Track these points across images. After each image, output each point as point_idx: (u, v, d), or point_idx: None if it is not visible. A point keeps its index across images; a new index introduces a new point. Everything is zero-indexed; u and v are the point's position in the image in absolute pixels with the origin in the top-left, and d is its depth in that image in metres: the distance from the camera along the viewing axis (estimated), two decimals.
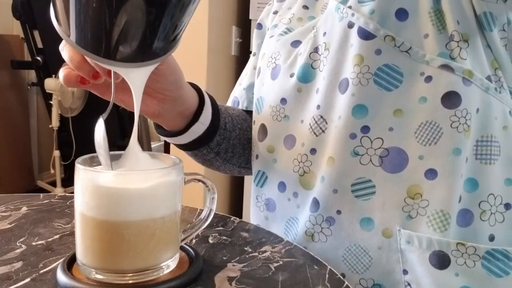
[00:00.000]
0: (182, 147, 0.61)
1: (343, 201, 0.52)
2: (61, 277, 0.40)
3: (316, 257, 0.48)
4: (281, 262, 0.46)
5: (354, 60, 0.51)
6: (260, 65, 0.65)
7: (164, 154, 0.45)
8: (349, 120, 0.51)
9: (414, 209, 0.49)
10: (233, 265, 0.45)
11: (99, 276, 0.39)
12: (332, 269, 0.45)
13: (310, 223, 0.54)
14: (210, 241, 0.51)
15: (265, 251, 0.48)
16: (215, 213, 0.47)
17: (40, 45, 2.63)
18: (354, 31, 0.51)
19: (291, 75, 0.58)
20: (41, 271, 0.42)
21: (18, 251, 0.46)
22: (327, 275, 0.43)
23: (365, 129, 0.50)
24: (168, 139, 0.60)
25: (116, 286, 0.39)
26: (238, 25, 2.08)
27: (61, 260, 0.43)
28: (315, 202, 0.54)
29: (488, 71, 0.49)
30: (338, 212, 0.53)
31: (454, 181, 0.48)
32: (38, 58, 2.59)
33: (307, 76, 0.56)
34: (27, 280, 0.40)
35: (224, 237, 0.52)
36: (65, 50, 0.42)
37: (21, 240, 0.49)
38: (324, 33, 0.56)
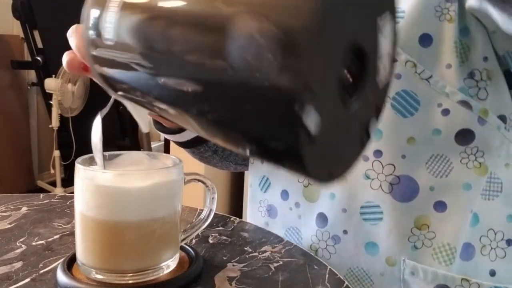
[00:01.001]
0: (181, 144, 0.61)
1: (350, 222, 0.52)
2: (61, 277, 0.40)
3: (316, 257, 0.47)
4: (281, 262, 0.46)
5: None
6: None
7: (164, 154, 0.45)
8: None
9: (420, 240, 0.49)
10: (233, 265, 0.45)
11: (99, 276, 0.39)
12: (332, 269, 0.45)
13: (316, 238, 0.54)
14: (210, 241, 0.51)
15: (265, 251, 0.48)
16: (215, 213, 0.47)
17: (40, 45, 2.63)
18: None
19: None
20: (41, 271, 0.42)
21: (18, 251, 0.46)
22: (327, 275, 0.43)
23: (378, 153, 0.50)
24: (167, 136, 0.60)
25: (116, 286, 0.39)
26: None
27: (61, 260, 0.43)
28: (324, 218, 0.53)
29: (506, 110, 0.48)
30: (345, 232, 0.52)
31: (463, 215, 0.48)
32: (38, 58, 2.59)
33: None
34: (27, 280, 0.40)
35: (224, 237, 0.52)
36: (73, 37, 0.40)
37: (21, 240, 0.49)
38: None
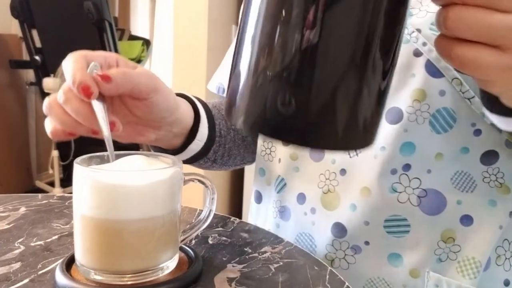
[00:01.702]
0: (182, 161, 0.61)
1: (373, 233, 0.51)
2: (60, 278, 0.39)
3: (316, 258, 0.47)
4: (281, 263, 0.46)
5: (415, 94, 0.48)
6: None
7: (164, 154, 0.45)
8: (395, 156, 0.49)
9: (445, 252, 0.50)
10: (233, 266, 0.45)
11: (98, 277, 0.39)
12: (333, 270, 0.44)
13: (333, 248, 0.53)
14: (210, 242, 0.50)
15: (265, 252, 0.48)
16: (214, 214, 0.46)
17: (38, 44, 2.62)
18: (420, 62, 0.47)
19: None
20: (40, 272, 0.42)
21: (16, 251, 0.46)
22: (327, 276, 0.43)
23: (407, 167, 0.49)
24: None
25: (115, 287, 0.39)
26: (238, 25, 2.08)
27: (59, 261, 0.42)
28: (341, 228, 0.52)
29: None
30: (366, 243, 0.52)
31: (491, 230, 0.48)
32: (37, 58, 2.59)
33: None
34: (26, 281, 0.40)
35: (224, 238, 0.52)
36: (71, 101, 0.41)
37: (19, 240, 0.49)
38: None
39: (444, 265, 0.50)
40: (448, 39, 0.27)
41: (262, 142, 0.63)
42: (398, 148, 0.49)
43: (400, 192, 0.50)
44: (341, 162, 0.53)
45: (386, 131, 0.49)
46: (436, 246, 0.50)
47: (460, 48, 0.26)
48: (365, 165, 0.51)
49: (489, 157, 0.48)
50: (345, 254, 0.53)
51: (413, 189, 0.49)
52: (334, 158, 0.53)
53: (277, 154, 0.60)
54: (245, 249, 0.49)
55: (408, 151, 0.49)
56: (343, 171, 0.53)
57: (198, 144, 0.57)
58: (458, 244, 0.49)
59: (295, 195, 0.57)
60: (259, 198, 0.65)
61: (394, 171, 0.49)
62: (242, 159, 0.67)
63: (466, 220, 0.49)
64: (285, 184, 0.58)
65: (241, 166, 0.69)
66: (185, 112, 0.54)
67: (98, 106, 0.42)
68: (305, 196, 0.56)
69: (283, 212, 0.59)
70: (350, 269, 0.52)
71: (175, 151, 0.56)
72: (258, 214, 0.65)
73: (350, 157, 0.52)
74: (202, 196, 0.46)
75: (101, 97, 0.42)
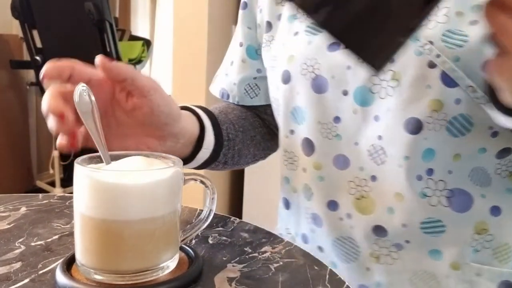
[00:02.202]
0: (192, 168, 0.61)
1: (412, 234, 0.53)
2: (60, 277, 0.39)
3: (316, 258, 0.47)
4: (281, 263, 0.46)
5: (432, 104, 0.49)
6: (284, 67, 0.59)
7: (164, 154, 0.45)
8: (418, 163, 0.51)
9: (480, 243, 0.53)
10: (233, 266, 0.45)
11: (98, 277, 0.39)
12: (333, 270, 0.44)
13: (377, 246, 0.55)
14: (210, 242, 0.51)
15: (265, 252, 0.48)
16: (215, 213, 0.46)
17: (39, 44, 2.62)
18: (435, 74, 0.48)
19: (344, 93, 0.54)
20: (40, 272, 0.42)
21: (17, 251, 0.46)
22: (327, 276, 0.43)
23: (430, 171, 0.51)
24: None
25: (115, 287, 0.39)
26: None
27: (60, 261, 0.42)
28: (382, 230, 0.54)
29: None
30: (407, 241, 0.54)
31: None
32: (37, 58, 2.59)
33: (365, 100, 0.53)
34: (26, 280, 0.40)
35: (224, 238, 0.52)
36: (48, 98, 0.44)
37: (20, 240, 0.49)
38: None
39: (480, 255, 0.53)
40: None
41: (284, 152, 0.63)
42: (420, 156, 0.51)
43: (430, 196, 0.52)
44: (370, 170, 0.54)
45: (407, 142, 0.51)
46: (471, 239, 0.52)
47: None
48: (393, 173, 0.53)
49: (503, 152, 0.51)
50: (390, 251, 0.55)
51: (440, 191, 0.52)
52: (362, 166, 0.55)
53: (300, 164, 0.61)
54: (245, 249, 0.49)
55: (429, 157, 0.51)
56: (373, 178, 0.54)
57: (206, 152, 0.58)
58: (491, 233, 0.52)
59: (324, 202, 0.58)
60: (287, 204, 0.66)
61: (419, 177, 0.52)
62: (254, 156, 0.68)
63: (495, 210, 0.52)
64: (312, 193, 0.60)
65: (254, 163, 0.70)
66: (189, 122, 0.55)
67: (89, 113, 0.42)
68: (337, 203, 0.57)
69: (315, 219, 0.60)
70: (395, 264, 0.55)
71: (184, 161, 0.57)
72: (289, 219, 0.66)
73: (378, 165, 0.54)
74: (202, 196, 0.46)
75: (94, 104, 0.43)
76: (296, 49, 0.58)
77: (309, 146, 0.59)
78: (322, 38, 0.56)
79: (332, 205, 0.58)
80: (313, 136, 0.58)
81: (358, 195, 0.55)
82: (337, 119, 0.55)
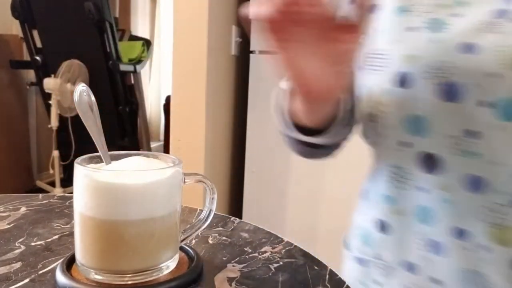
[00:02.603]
0: (311, 145, 0.57)
1: None
2: (60, 277, 0.39)
3: (316, 258, 0.47)
4: (281, 263, 0.46)
5: None
6: (399, 68, 0.51)
7: (164, 154, 0.45)
8: None
9: None
10: (233, 266, 0.45)
11: (98, 277, 0.39)
12: (333, 270, 0.44)
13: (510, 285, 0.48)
14: (210, 242, 0.51)
15: (265, 252, 0.48)
16: (215, 214, 0.46)
17: (39, 44, 2.63)
18: None
19: (481, 103, 0.46)
20: (40, 272, 0.42)
21: (17, 251, 0.46)
22: (327, 276, 0.43)
23: None
24: (300, 136, 0.56)
25: (115, 287, 0.39)
26: (238, 25, 2.08)
27: (60, 261, 0.42)
28: None
29: None
30: None
31: None
32: (37, 58, 2.59)
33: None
34: (26, 280, 0.40)
35: (224, 238, 0.52)
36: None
37: (20, 240, 0.49)
38: None
39: None
40: None
41: (390, 168, 0.56)
42: None
43: None
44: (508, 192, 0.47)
45: None
46: None
47: None
48: None
49: None
50: None
51: None
52: (503, 190, 0.47)
53: (414, 182, 0.53)
54: (245, 249, 0.49)
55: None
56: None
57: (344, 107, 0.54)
58: None
59: (448, 229, 0.51)
60: (384, 227, 0.57)
61: None
62: (344, 137, 0.62)
63: None
64: (431, 217, 0.52)
65: (342, 144, 0.64)
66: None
67: (89, 113, 0.42)
68: (466, 231, 0.50)
69: (433, 246, 0.53)
70: None
71: (317, 132, 0.55)
72: (385, 245, 0.57)
73: None
74: (202, 196, 0.46)
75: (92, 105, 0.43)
76: (416, 48, 0.50)
77: (432, 162, 0.51)
78: (450, 36, 0.48)
79: (461, 233, 0.50)
80: (440, 151, 0.50)
81: (496, 223, 0.48)
82: (475, 134, 0.48)
